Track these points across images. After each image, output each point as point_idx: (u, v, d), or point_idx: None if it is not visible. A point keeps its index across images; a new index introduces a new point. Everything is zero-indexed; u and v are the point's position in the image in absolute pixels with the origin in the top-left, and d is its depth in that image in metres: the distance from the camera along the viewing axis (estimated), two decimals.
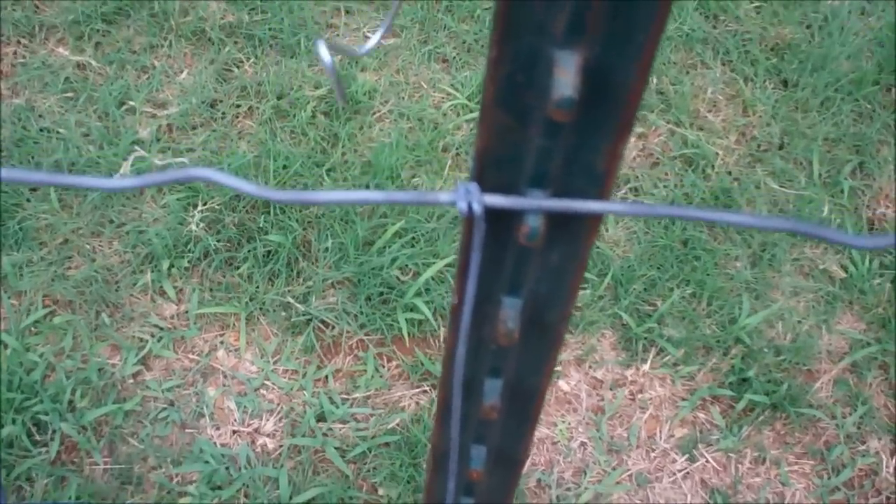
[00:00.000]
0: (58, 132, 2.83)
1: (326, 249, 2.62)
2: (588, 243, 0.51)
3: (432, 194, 0.47)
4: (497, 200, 0.47)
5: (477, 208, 0.47)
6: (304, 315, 2.52)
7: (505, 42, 0.41)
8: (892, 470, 2.40)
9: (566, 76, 0.41)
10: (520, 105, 0.43)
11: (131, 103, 2.92)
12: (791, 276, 2.71)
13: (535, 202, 0.47)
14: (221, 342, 2.49)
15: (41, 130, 2.84)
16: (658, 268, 2.68)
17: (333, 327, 2.52)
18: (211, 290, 2.56)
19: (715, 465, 2.39)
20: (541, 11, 0.39)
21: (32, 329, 2.46)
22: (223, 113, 2.92)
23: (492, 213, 0.48)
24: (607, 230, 2.75)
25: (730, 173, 2.93)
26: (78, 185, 0.46)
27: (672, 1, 0.38)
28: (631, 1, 0.39)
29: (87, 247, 2.60)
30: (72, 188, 2.65)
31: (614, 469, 2.37)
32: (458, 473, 0.70)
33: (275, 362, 2.46)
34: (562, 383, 2.49)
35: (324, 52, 0.48)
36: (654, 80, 3.06)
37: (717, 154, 2.98)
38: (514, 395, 0.63)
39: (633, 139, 3.02)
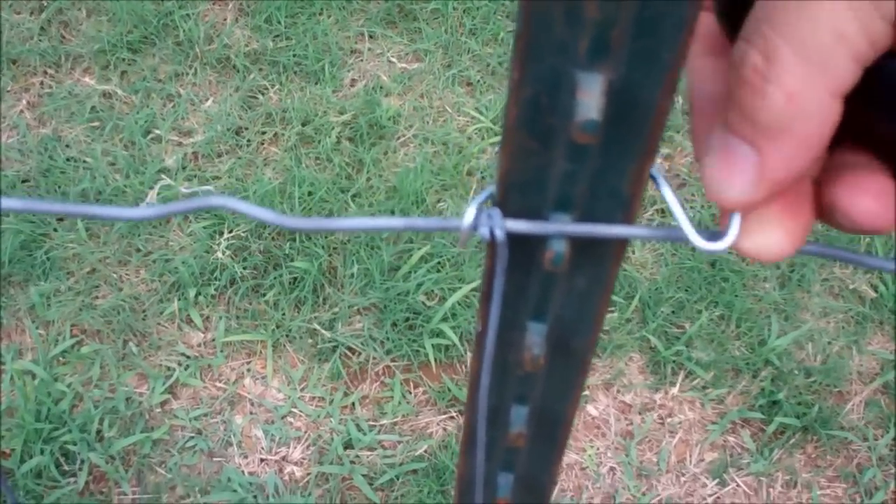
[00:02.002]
0: (84, 161, 2.85)
1: (352, 275, 2.61)
2: (614, 267, 0.50)
3: (453, 221, 0.46)
4: (520, 226, 0.46)
5: (499, 234, 0.46)
6: (330, 342, 2.51)
7: (527, 64, 0.40)
8: None
9: (590, 98, 0.40)
10: (543, 128, 0.43)
11: (157, 132, 2.93)
12: (820, 297, 2.69)
13: (559, 227, 0.46)
14: (248, 370, 2.49)
15: (68, 160, 2.86)
16: (686, 290, 2.66)
17: (360, 354, 2.51)
18: (237, 317, 2.56)
19: (746, 489, 2.37)
20: (563, 32, 0.38)
21: (60, 359, 2.47)
22: (248, 140, 2.93)
23: (515, 239, 0.48)
24: (634, 252, 2.74)
25: None
26: (96, 216, 0.46)
27: (699, 14, 0.38)
28: (656, 18, 0.38)
29: (115, 276, 2.61)
30: (94, 219, 2.66)
31: (644, 494, 2.34)
32: (484, 502, 0.69)
33: (301, 389, 2.46)
34: (590, 408, 2.47)
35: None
36: (680, 100, 3.05)
37: None
38: (541, 422, 0.62)
39: (659, 160, 3.01)
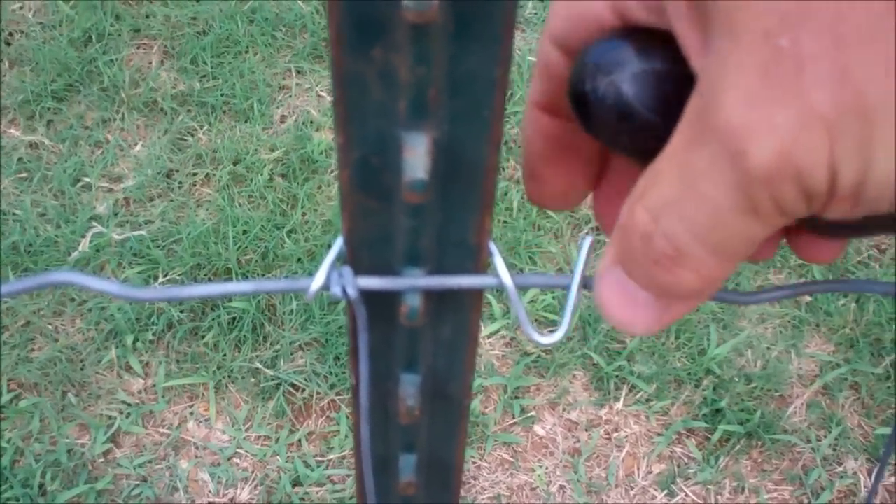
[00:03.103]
0: (14, 213, 2.82)
1: (292, 311, 2.60)
2: (475, 314, 0.51)
3: (305, 281, 0.46)
4: (372, 283, 0.46)
5: (352, 292, 0.46)
6: (273, 380, 2.50)
7: (350, 127, 0.40)
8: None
9: (415, 157, 0.41)
10: (379, 186, 0.43)
11: (87, 179, 2.91)
12: (757, 304, 2.71)
13: (409, 281, 0.46)
14: (191, 413, 2.47)
15: None
16: None
17: (304, 390, 2.50)
18: (177, 361, 2.54)
19: (694, 498, 2.38)
20: (380, 94, 0.39)
21: (1, 415, 2.43)
22: (180, 182, 2.91)
23: (370, 295, 0.48)
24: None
25: None
26: None
27: (507, 77, 0.38)
28: (468, 78, 0.38)
29: (50, 327, 2.58)
30: None
31: None
32: None
33: (246, 429, 2.44)
34: (537, 428, 2.48)
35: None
36: None
37: None
38: (430, 469, 0.62)
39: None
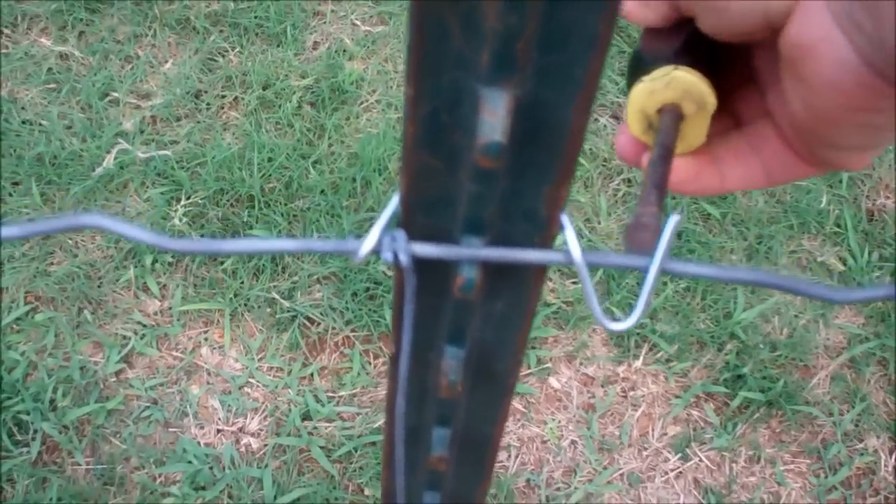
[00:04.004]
0: (40, 124, 2.77)
1: None
2: (534, 292, 0.46)
3: (354, 243, 0.41)
4: (427, 250, 0.42)
5: (404, 259, 0.41)
6: (289, 311, 2.47)
7: (422, 78, 0.35)
8: (890, 469, 2.35)
9: (494, 118, 0.36)
10: (447, 146, 0.38)
11: (115, 94, 2.86)
12: (788, 269, 2.66)
13: (468, 251, 0.41)
14: (205, 339, 2.44)
15: (23, 123, 2.78)
16: None
17: (319, 324, 2.47)
18: (195, 285, 2.50)
19: (708, 464, 2.34)
20: (461, 43, 0.34)
21: (14, 326, 2.41)
22: (208, 104, 2.86)
23: (424, 262, 0.43)
24: (600, 223, 2.70)
25: None
26: None
27: (611, 33, 0.33)
28: (564, 32, 0.33)
29: (70, 242, 2.55)
30: None
31: (605, 468, 2.32)
32: None
33: (259, 360, 2.41)
34: (552, 380, 2.44)
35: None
36: None
37: None
38: (465, 444, 0.58)
39: None
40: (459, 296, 0.44)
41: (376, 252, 0.41)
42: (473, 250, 0.41)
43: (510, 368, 0.51)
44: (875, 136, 0.45)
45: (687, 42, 0.50)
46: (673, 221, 0.41)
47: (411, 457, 0.58)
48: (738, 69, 0.54)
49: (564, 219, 0.41)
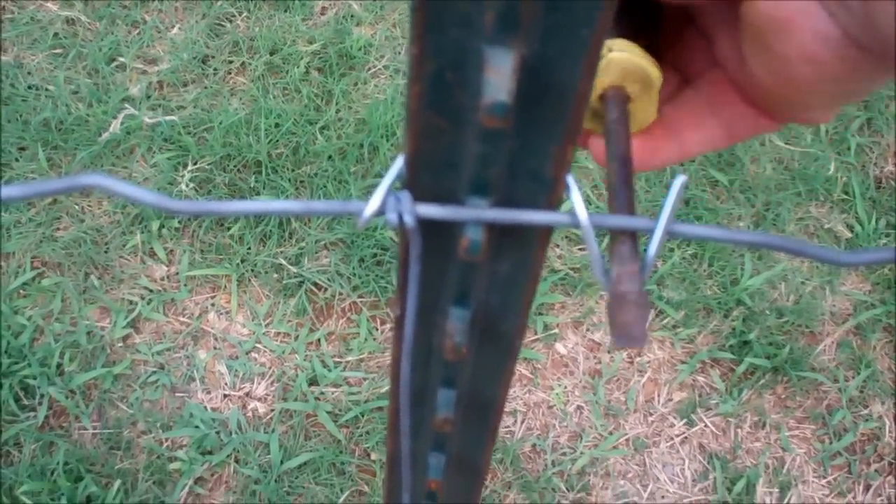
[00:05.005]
0: (46, 89, 2.77)
1: None
2: (539, 254, 0.46)
3: (357, 204, 0.41)
4: (432, 211, 0.42)
5: (409, 220, 0.41)
6: (296, 277, 2.47)
7: (427, 36, 0.35)
8: (895, 435, 2.36)
9: (499, 77, 0.35)
10: (452, 106, 0.38)
11: (121, 59, 2.85)
12: (795, 236, 2.65)
13: (474, 212, 0.41)
14: (212, 304, 2.44)
15: (29, 88, 2.78)
16: None
17: (326, 289, 2.47)
18: (202, 251, 2.51)
19: (714, 429, 2.35)
20: (466, 1, 0.33)
21: (21, 291, 2.42)
22: (215, 69, 2.86)
23: (429, 224, 0.43)
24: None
25: None
26: None
27: None
28: None
29: (76, 207, 2.55)
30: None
31: (611, 433, 2.33)
32: (416, 482, 0.65)
33: (266, 325, 2.42)
34: (559, 346, 2.44)
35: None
36: None
37: None
38: (470, 406, 0.58)
39: None
40: (465, 258, 0.44)
41: (381, 213, 0.41)
42: (479, 211, 0.41)
43: (515, 330, 0.51)
44: (845, 98, 0.44)
45: (621, 7, 0.48)
46: (679, 182, 0.41)
47: (416, 418, 0.59)
48: (676, 15, 0.52)
49: (570, 180, 0.41)
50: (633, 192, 0.44)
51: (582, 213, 0.41)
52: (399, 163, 0.42)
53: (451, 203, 0.42)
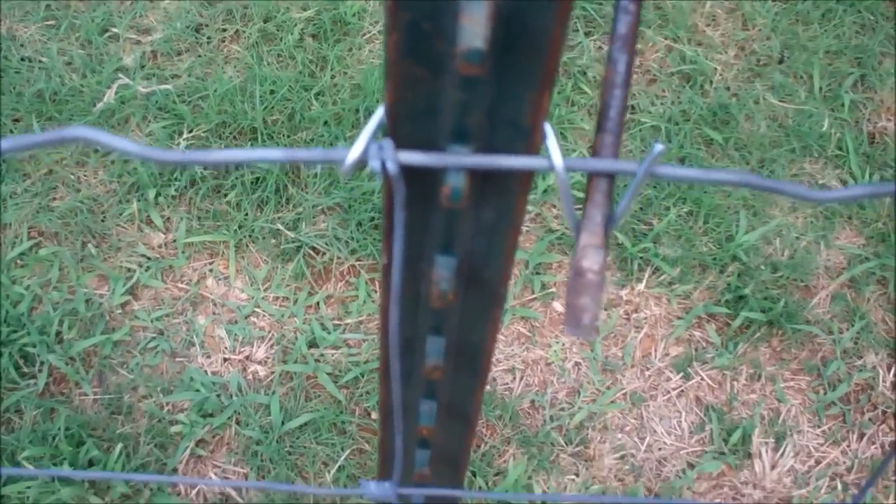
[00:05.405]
0: (40, 61, 2.77)
1: (316, 175, 2.57)
2: (520, 200, 0.47)
3: (340, 151, 0.43)
4: (414, 158, 0.43)
5: (392, 167, 0.43)
6: (293, 242, 2.49)
7: None
8: (888, 384, 2.38)
9: (474, 24, 0.37)
10: (430, 54, 0.39)
11: (114, 30, 2.85)
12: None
13: (454, 158, 0.43)
14: (210, 270, 2.46)
15: (23, 60, 2.78)
16: (654, 186, 2.63)
17: (324, 253, 2.48)
18: (199, 218, 2.52)
19: (710, 382, 2.38)
20: None
21: (18, 261, 2.43)
22: (208, 38, 2.86)
23: (412, 171, 0.44)
24: None
25: (728, 89, 2.87)
26: None
27: None
28: None
29: (72, 177, 2.56)
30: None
31: (608, 388, 2.35)
32: (408, 429, 0.67)
33: (265, 290, 2.44)
34: (556, 304, 2.46)
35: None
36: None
37: (716, 69, 2.91)
38: (459, 353, 0.59)
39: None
40: (448, 205, 0.45)
41: (363, 161, 0.43)
42: (458, 157, 0.43)
43: (500, 276, 0.52)
44: None
45: None
46: (657, 149, 0.42)
47: (407, 366, 0.60)
48: None
49: (547, 127, 0.43)
50: (617, 137, 0.45)
51: (557, 158, 0.42)
52: (380, 112, 0.43)
53: (432, 150, 0.44)
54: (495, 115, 0.42)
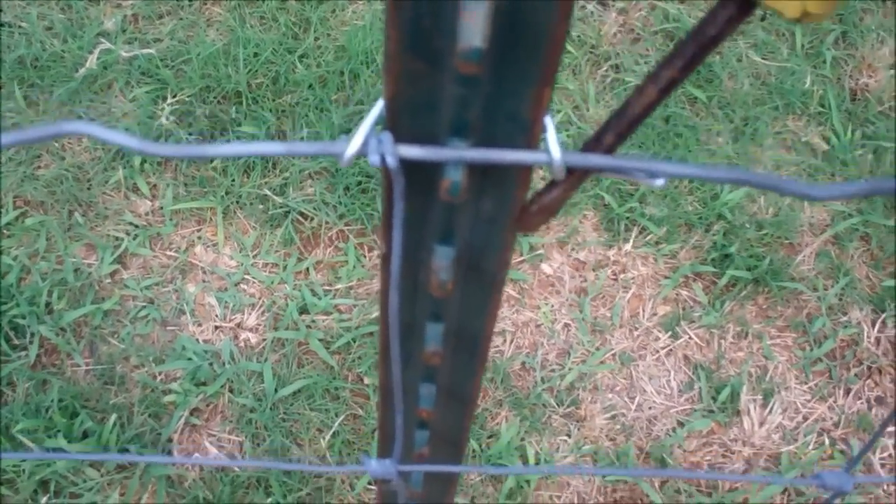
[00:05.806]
0: (19, 27, 2.75)
1: (302, 139, 2.56)
2: (520, 192, 0.47)
3: (340, 144, 0.43)
4: (413, 152, 0.43)
5: (391, 161, 0.43)
6: (281, 207, 2.48)
7: None
8: (873, 340, 2.40)
9: (473, 22, 0.37)
10: (429, 51, 0.39)
11: None
12: (773, 150, 2.67)
13: (453, 153, 0.43)
14: (199, 238, 2.46)
15: (2, 25, 2.76)
16: (639, 146, 2.63)
17: (312, 219, 2.48)
18: (185, 185, 2.51)
19: (698, 341, 2.39)
20: None
21: (4, 231, 2.42)
22: (189, 0, 2.83)
23: (411, 165, 0.45)
24: (588, 110, 2.70)
25: None
26: None
27: None
28: None
29: (56, 146, 2.55)
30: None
31: (598, 349, 2.36)
32: (408, 412, 0.67)
33: (254, 256, 2.44)
34: (545, 266, 2.47)
35: None
36: None
37: None
38: (457, 340, 0.60)
39: (613, 14, 2.95)
40: (447, 198, 0.46)
41: (363, 154, 0.43)
42: (457, 151, 0.43)
43: (499, 267, 0.53)
44: None
45: None
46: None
47: (406, 351, 0.61)
48: None
49: (547, 120, 0.43)
50: (619, 136, 0.45)
51: (555, 152, 0.42)
52: (379, 105, 0.44)
53: (431, 144, 0.44)
54: (495, 110, 0.42)
